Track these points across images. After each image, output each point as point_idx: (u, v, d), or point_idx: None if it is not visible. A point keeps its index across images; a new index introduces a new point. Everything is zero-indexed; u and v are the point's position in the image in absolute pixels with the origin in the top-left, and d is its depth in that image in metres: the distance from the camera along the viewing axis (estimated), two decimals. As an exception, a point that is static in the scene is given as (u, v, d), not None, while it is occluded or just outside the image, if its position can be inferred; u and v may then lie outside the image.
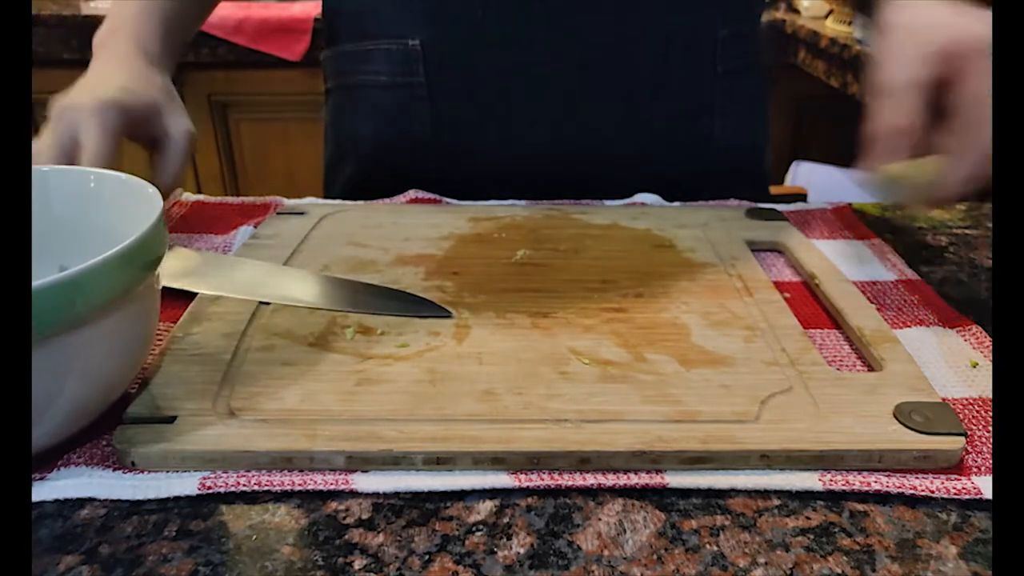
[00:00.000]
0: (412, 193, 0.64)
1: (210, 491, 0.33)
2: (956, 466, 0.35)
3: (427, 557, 0.31)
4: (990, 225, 0.63)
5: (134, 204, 0.38)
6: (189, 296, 0.47)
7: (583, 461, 0.35)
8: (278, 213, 0.60)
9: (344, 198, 0.69)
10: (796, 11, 1.75)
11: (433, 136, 0.67)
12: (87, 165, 0.49)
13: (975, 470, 0.35)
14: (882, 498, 0.34)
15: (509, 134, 0.65)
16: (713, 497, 0.34)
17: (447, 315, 0.45)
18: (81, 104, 0.51)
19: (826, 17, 1.70)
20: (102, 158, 0.49)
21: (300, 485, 0.34)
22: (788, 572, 0.30)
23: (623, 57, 0.63)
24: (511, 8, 0.61)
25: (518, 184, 0.64)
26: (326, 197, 0.75)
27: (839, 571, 0.30)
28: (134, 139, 0.54)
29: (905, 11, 0.46)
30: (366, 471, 0.35)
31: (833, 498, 0.34)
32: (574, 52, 0.63)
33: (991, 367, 0.42)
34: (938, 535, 0.32)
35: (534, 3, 0.61)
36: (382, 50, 0.66)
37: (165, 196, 0.51)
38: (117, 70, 0.56)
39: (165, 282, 0.46)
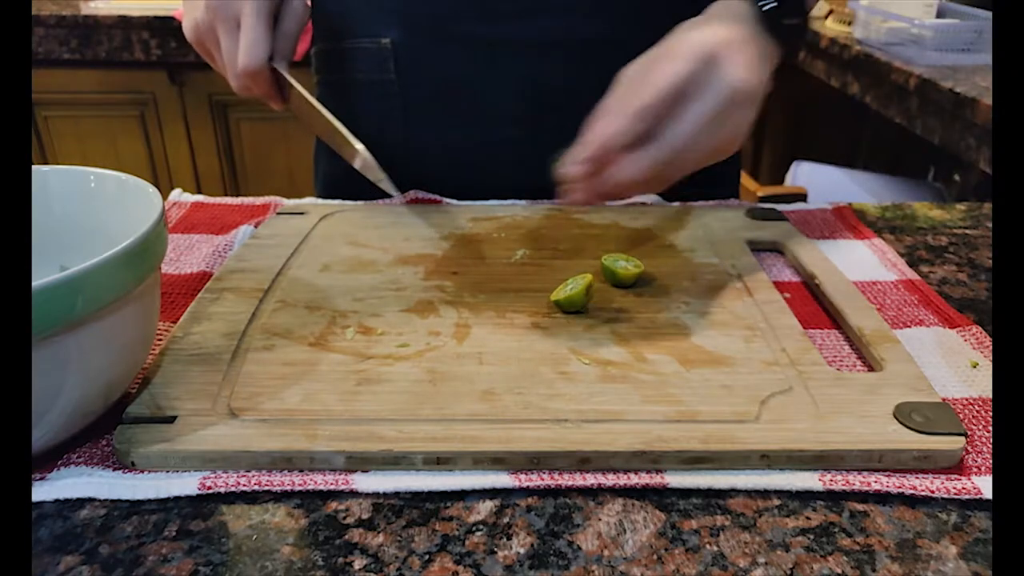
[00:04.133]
0: (412, 193, 0.64)
1: (210, 491, 0.33)
2: (956, 466, 0.35)
3: (427, 557, 0.31)
4: (990, 225, 0.63)
5: (134, 204, 0.38)
6: (189, 296, 0.47)
7: (583, 461, 0.35)
8: (278, 213, 0.60)
9: (327, 190, 0.69)
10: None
11: (405, 133, 0.67)
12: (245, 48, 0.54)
13: (975, 470, 0.35)
14: (882, 498, 0.34)
15: (479, 132, 0.66)
16: (713, 497, 0.34)
17: None
18: None
19: (826, 17, 1.70)
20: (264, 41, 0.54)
21: (300, 485, 0.34)
22: (788, 572, 0.30)
23: (590, 58, 0.63)
24: (476, 6, 0.62)
25: (492, 182, 0.64)
26: (314, 189, 0.76)
27: (839, 571, 0.30)
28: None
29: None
30: (366, 471, 0.35)
31: (833, 498, 0.34)
32: (541, 51, 0.63)
33: (991, 367, 0.42)
34: (938, 535, 0.32)
35: (499, 3, 0.61)
36: (359, 48, 0.67)
37: (284, 58, 0.57)
38: None
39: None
